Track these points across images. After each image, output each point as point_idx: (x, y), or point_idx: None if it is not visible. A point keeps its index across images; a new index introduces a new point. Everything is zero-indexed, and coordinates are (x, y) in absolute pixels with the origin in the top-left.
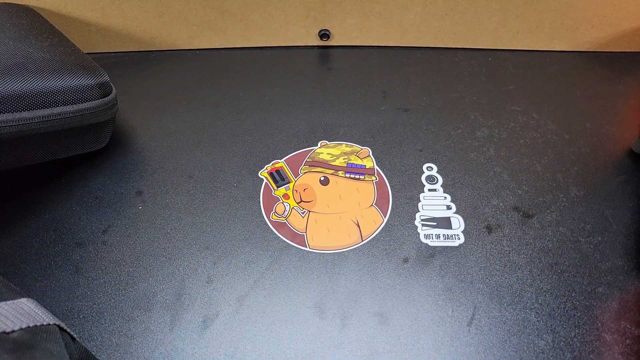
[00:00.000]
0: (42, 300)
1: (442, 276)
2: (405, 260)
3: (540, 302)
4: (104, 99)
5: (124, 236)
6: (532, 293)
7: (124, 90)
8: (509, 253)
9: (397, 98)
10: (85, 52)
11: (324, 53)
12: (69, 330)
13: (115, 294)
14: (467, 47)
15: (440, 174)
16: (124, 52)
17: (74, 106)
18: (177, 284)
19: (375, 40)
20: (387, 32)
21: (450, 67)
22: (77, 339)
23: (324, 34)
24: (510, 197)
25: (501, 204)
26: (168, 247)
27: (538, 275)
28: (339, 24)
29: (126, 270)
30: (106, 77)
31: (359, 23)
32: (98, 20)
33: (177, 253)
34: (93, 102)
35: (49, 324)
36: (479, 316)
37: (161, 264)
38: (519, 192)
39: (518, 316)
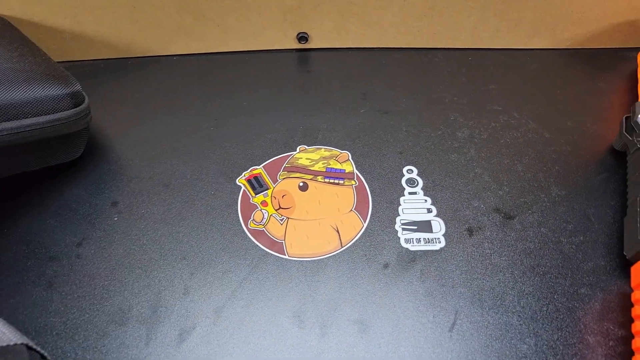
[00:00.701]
0: (14, 317)
1: (423, 281)
2: (386, 266)
3: (522, 305)
4: (76, 109)
5: (99, 249)
6: (514, 296)
7: (101, 98)
8: (491, 256)
9: (377, 100)
10: (59, 60)
11: (303, 56)
12: (38, 349)
13: (90, 309)
14: (447, 47)
15: (421, 177)
16: (100, 59)
17: (45, 117)
18: (153, 296)
19: (354, 41)
20: (365, 34)
21: (431, 68)
22: (48, 358)
23: (302, 37)
24: (492, 198)
25: (482, 206)
26: (144, 259)
27: (520, 278)
28: (317, 26)
29: (101, 284)
30: (78, 87)
31: (337, 25)
32: (71, 28)
33: (154, 265)
34: (65, 112)
35: (16, 344)
36: (460, 321)
37: (137, 277)
38: (500, 193)
39: (500, 320)
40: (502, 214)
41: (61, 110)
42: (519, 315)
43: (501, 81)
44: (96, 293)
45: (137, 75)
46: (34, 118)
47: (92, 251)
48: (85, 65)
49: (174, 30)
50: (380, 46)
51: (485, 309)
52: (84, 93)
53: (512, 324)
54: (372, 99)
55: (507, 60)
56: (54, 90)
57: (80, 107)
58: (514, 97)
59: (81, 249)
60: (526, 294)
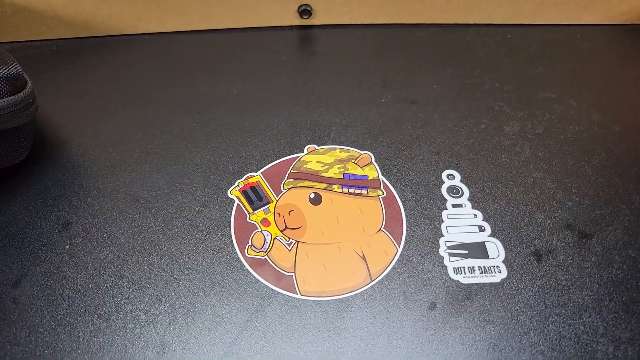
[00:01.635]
0: None
1: (483, 327)
2: (432, 306)
3: (619, 356)
4: (14, 97)
5: (42, 289)
6: (607, 345)
7: (50, 88)
8: (569, 290)
9: (400, 87)
10: None
11: (305, 34)
12: None
13: None
14: (481, 22)
15: (466, 184)
16: (51, 40)
17: None
18: (117, 356)
19: (368, 17)
20: (382, 7)
21: (462, 48)
22: None
23: (305, 11)
24: (559, 211)
25: (549, 221)
26: (105, 303)
27: (612, 320)
28: None
29: (44, 340)
30: (17, 67)
31: None
32: (14, 0)
33: (118, 311)
34: None
35: None
36: None
37: (94, 329)
38: (569, 204)
39: None
40: (576, 232)
41: None
42: None
43: (550, 63)
44: (37, 354)
45: (97, 59)
46: None
47: (34, 293)
48: (31, 47)
49: (144, 2)
50: (401, 22)
51: None
52: (26, 76)
53: None
54: (394, 86)
55: (554, 38)
56: None
57: (21, 94)
58: (569, 82)
59: (19, 289)
60: (623, 342)
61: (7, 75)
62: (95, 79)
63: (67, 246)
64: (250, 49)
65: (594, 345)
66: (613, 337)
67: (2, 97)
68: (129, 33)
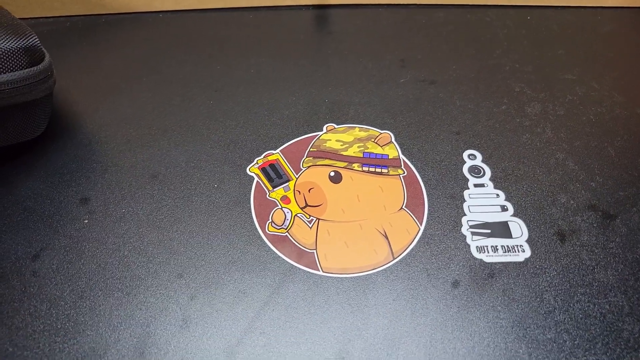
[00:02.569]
0: None
1: (507, 304)
2: (456, 284)
3: None
4: (32, 69)
5: (62, 263)
6: (632, 324)
7: (65, 65)
8: (594, 269)
9: (420, 67)
10: None
11: (322, 14)
12: None
13: (50, 350)
14: (501, 3)
15: (487, 164)
16: (65, 16)
17: None
18: (140, 330)
19: None
20: None
21: (481, 29)
22: None
23: None
24: (582, 191)
25: (572, 202)
26: (125, 277)
27: (637, 300)
28: None
29: (65, 313)
30: (35, 39)
31: None
32: None
33: (139, 285)
34: (17, 72)
35: None
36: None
37: (116, 303)
38: (592, 185)
39: (616, 357)
40: (600, 213)
41: (12, 70)
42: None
43: (570, 45)
44: (59, 326)
45: (112, 36)
46: None
47: (54, 266)
48: (45, 23)
49: None
50: (419, 2)
51: (596, 343)
52: (43, 49)
53: None
54: (413, 66)
55: (574, 20)
56: (1, 43)
57: (39, 66)
58: (590, 64)
59: (38, 263)
60: None
61: (25, 46)
62: (110, 56)
63: (86, 221)
64: (267, 27)
65: (620, 325)
66: (638, 316)
67: (21, 69)
68: (143, 11)
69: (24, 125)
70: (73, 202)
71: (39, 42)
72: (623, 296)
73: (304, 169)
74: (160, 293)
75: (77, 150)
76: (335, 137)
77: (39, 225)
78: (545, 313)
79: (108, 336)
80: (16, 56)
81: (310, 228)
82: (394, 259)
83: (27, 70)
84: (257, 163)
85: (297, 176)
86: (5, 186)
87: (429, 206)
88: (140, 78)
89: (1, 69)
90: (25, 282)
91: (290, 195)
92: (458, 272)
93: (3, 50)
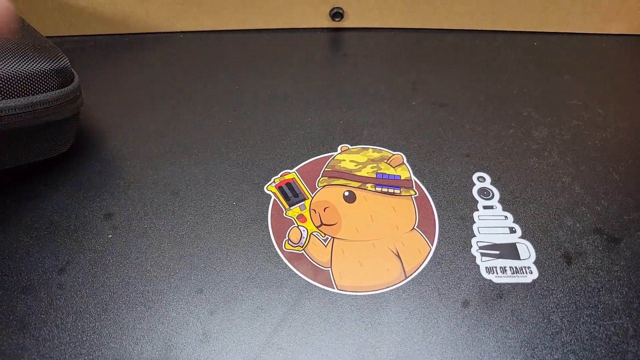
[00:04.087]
0: None
1: (515, 325)
2: (466, 304)
3: None
4: (63, 90)
5: (87, 276)
6: (636, 346)
7: (90, 83)
8: (599, 292)
9: (430, 90)
10: None
11: (337, 37)
12: None
13: None
14: (509, 29)
15: (496, 186)
16: (90, 35)
17: (23, 99)
18: (161, 343)
19: (399, 21)
20: (412, 12)
21: (490, 54)
22: None
23: (337, 14)
24: (588, 215)
25: (578, 225)
26: (147, 291)
27: None
28: (355, 1)
29: (90, 325)
30: (66, 62)
31: (379, 0)
32: None
33: (160, 299)
34: (48, 93)
35: None
36: None
37: (138, 316)
38: (598, 208)
39: None
40: (605, 236)
41: (44, 91)
42: None
43: (576, 71)
44: (84, 338)
45: (135, 55)
46: (5, 101)
47: (79, 280)
48: (70, 42)
49: (181, 2)
50: (430, 27)
51: None
52: (73, 70)
53: None
54: (424, 89)
55: (580, 46)
56: (35, 65)
57: (69, 87)
58: (595, 90)
59: (64, 276)
60: None
61: (57, 68)
62: (133, 75)
63: (110, 236)
64: (283, 49)
65: (624, 347)
66: None
67: (52, 90)
68: (166, 31)
69: (52, 142)
70: (97, 217)
71: (69, 64)
72: (628, 318)
73: (319, 188)
74: (181, 307)
75: (101, 167)
76: (350, 157)
77: (65, 240)
78: (552, 334)
79: (131, 349)
80: (49, 78)
81: (326, 246)
82: (406, 278)
83: (58, 91)
84: (274, 182)
85: (312, 195)
86: (32, 200)
87: (439, 227)
88: (162, 97)
89: (35, 90)
90: (52, 295)
91: (306, 213)
92: (468, 292)
93: (37, 72)
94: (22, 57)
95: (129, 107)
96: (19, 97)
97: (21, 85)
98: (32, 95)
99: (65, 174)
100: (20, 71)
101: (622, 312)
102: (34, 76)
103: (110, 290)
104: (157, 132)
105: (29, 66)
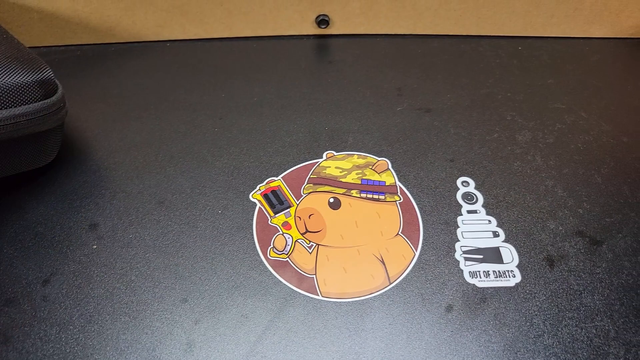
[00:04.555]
0: None
1: (498, 329)
2: (449, 309)
3: (630, 359)
4: (46, 101)
5: (72, 287)
6: (618, 348)
7: (76, 93)
8: (581, 294)
9: (415, 96)
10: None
11: (323, 43)
12: None
13: None
14: (493, 34)
15: (480, 191)
16: (76, 45)
17: (5, 111)
18: (146, 354)
19: (384, 27)
20: (397, 18)
21: (475, 58)
22: None
23: (322, 21)
24: (570, 218)
25: (560, 228)
26: (132, 302)
27: (622, 324)
28: (340, 8)
29: (74, 337)
30: (49, 73)
31: (364, 6)
32: (41, 6)
33: (145, 309)
34: (32, 104)
35: None
36: None
37: (123, 326)
38: (580, 211)
39: None
40: (587, 239)
41: (27, 103)
42: None
43: (560, 75)
44: (68, 350)
45: (121, 64)
46: None
47: (64, 291)
48: (57, 52)
49: (167, 10)
50: (415, 33)
51: None
52: (57, 81)
53: None
54: (409, 94)
55: (563, 50)
56: (18, 77)
57: (52, 98)
58: (578, 94)
59: (48, 288)
60: (633, 345)
61: (40, 80)
62: (119, 84)
63: (95, 246)
64: (269, 57)
65: (606, 348)
66: (624, 340)
67: (35, 102)
68: (152, 40)
69: (36, 153)
70: (82, 227)
71: (53, 75)
72: (609, 320)
73: (304, 195)
74: (165, 317)
75: (86, 177)
76: (335, 164)
77: (49, 251)
78: (534, 337)
79: (116, 359)
80: (31, 89)
81: (310, 253)
82: (390, 284)
83: (41, 102)
84: (259, 189)
85: (297, 202)
86: (16, 212)
87: (424, 232)
88: (148, 105)
89: (17, 102)
90: (36, 307)
91: (291, 221)
92: (451, 297)
93: (19, 84)
94: (4, 68)
95: (114, 116)
96: (1, 109)
97: (3, 97)
98: (15, 107)
99: (49, 185)
100: (2, 83)
101: (604, 314)
102: (17, 88)
103: (94, 302)
104: (143, 141)
105: (11, 78)
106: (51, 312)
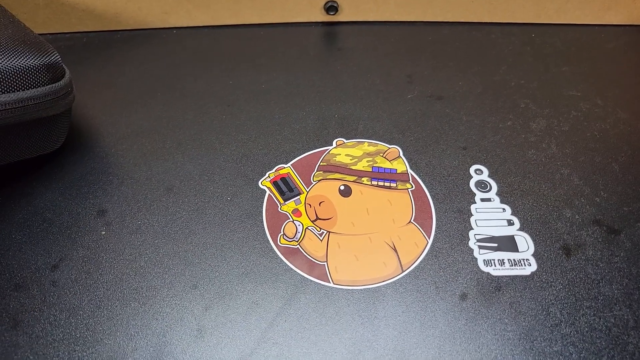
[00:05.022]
0: None
1: (514, 317)
2: (463, 297)
3: None
4: (54, 85)
5: (80, 273)
6: (637, 337)
7: (82, 80)
8: (599, 283)
9: (426, 83)
10: None
11: (331, 31)
12: None
13: (69, 358)
14: (505, 21)
15: (493, 179)
16: (82, 32)
17: (12, 95)
18: (156, 339)
19: (394, 14)
20: (408, 4)
21: (487, 46)
22: None
23: (331, 7)
24: (587, 206)
25: (577, 217)
26: (141, 288)
27: None
28: None
29: (84, 322)
30: (57, 57)
31: None
32: None
33: (155, 295)
34: (39, 88)
35: None
36: None
37: (133, 313)
38: (597, 200)
39: None
40: (605, 228)
41: (34, 87)
42: None
43: (574, 62)
44: (77, 335)
45: (127, 52)
46: None
47: (73, 276)
48: (62, 39)
49: None
50: (425, 20)
51: (602, 356)
52: (64, 66)
53: None
54: (420, 82)
55: (578, 37)
56: (25, 60)
57: (60, 82)
58: (594, 81)
59: (57, 273)
60: None
61: (47, 63)
62: (126, 71)
63: (103, 232)
64: (277, 43)
65: (625, 338)
66: None
67: (43, 85)
68: (158, 27)
69: (44, 139)
70: (90, 213)
71: (60, 59)
72: (628, 310)
73: (314, 182)
74: (175, 303)
75: (94, 163)
76: (345, 151)
77: (58, 237)
78: (551, 326)
79: (125, 345)
80: (39, 73)
81: (321, 241)
82: (403, 271)
83: (48, 86)
84: (268, 177)
85: (307, 190)
86: (24, 198)
87: (436, 220)
88: (155, 92)
89: (25, 86)
90: (45, 292)
91: (302, 208)
92: (466, 285)
93: (27, 67)
94: (11, 52)
95: (122, 103)
96: (9, 92)
97: (11, 80)
98: (22, 90)
99: (57, 172)
100: (10, 66)
101: (622, 303)
102: (24, 71)
103: (103, 287)
104: (151, 128)
105: (19, 61)
106: (60, 297)
